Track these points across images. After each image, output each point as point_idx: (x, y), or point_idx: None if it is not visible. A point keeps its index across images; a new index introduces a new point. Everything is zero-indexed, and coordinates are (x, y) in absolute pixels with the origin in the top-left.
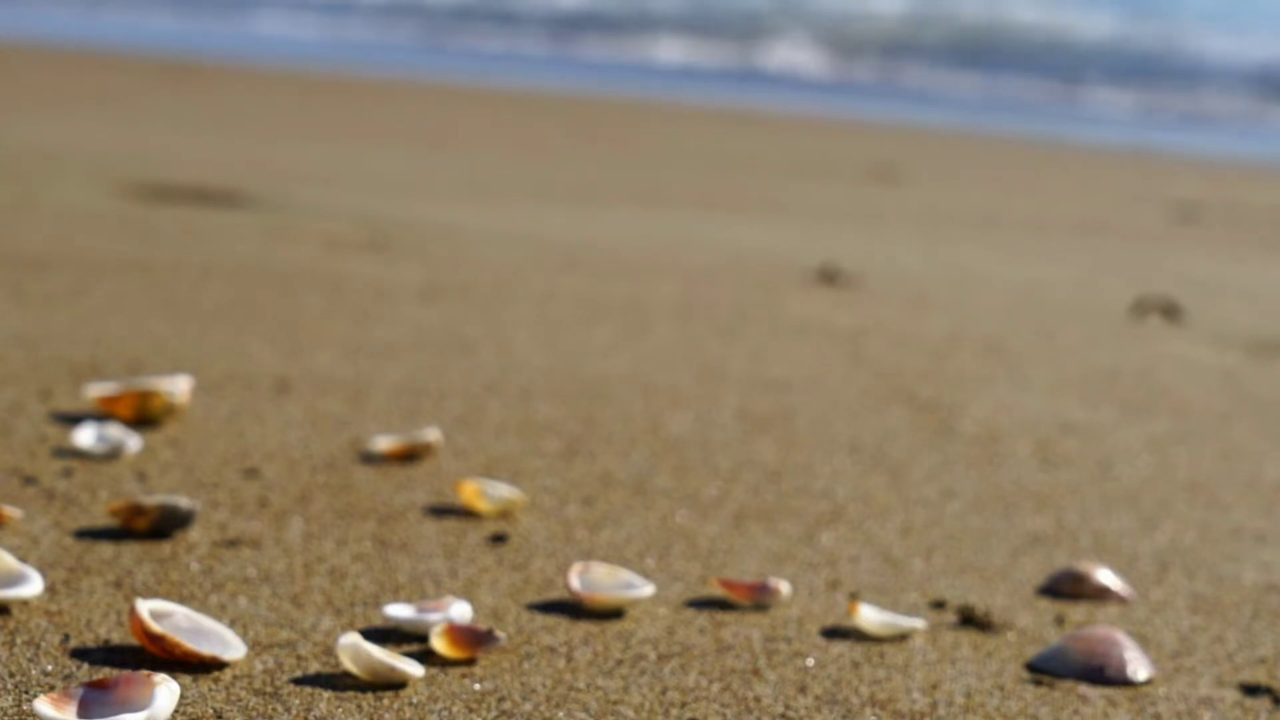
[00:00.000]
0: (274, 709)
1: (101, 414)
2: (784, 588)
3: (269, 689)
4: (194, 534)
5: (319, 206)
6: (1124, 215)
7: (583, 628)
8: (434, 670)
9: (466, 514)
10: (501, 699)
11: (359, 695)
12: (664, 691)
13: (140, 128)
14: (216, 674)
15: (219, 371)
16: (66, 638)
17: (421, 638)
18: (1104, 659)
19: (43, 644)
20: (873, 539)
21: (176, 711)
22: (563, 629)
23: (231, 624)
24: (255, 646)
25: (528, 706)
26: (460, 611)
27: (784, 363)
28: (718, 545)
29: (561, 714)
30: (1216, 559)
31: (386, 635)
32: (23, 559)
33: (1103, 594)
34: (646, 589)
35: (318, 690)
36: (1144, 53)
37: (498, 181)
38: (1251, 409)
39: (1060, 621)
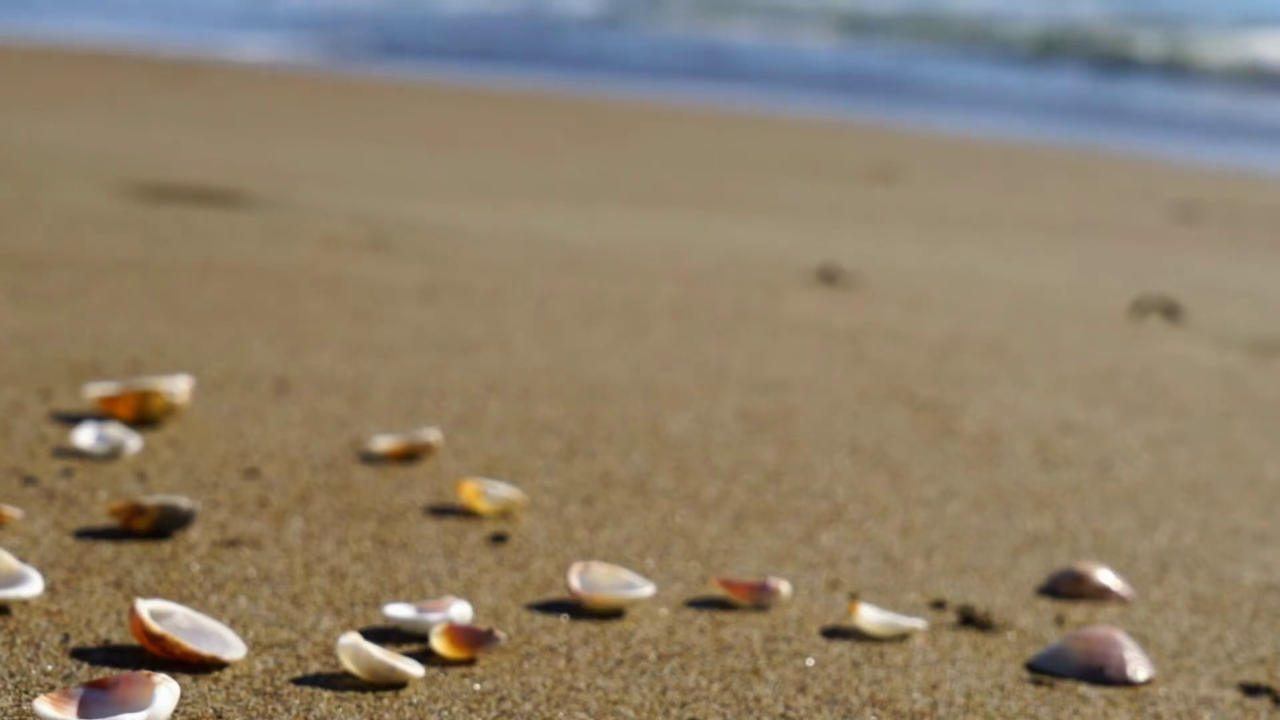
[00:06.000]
0: (274, 709)
1: (101, 414)
2: (784, 588)
3: (269, 689)
4: (194, 534)
5: (319, 206)
6: (1124, 215)
7: (583, 628)
8: (434, 670)
9: (466, 514)
10: (501, 699)
11: (359, 695)
12: (664, 691)
13: (140, 128)
14: (216, 674)
15: (219, 371)
16: (66, 638)
17: (421, 638)
18: (1104, 659)
19: (43, 644)
20: (873, 539)
21: (176, 711)
22: (563, 629)
23: (231, 624)
24: (255, 646)
25: (528, 706)
26: (460, 611)
27: (784, 363)
28: (718, 545)
29: (561, 714)
30: (1216, 559)
31: (386, 635)
32: (23, 559)
33: (1103, 594)
34: (646, 589)
35: (318, 690)
36: None
37: (498, 181)
38: (1251, 409)
39: (1060, 621)
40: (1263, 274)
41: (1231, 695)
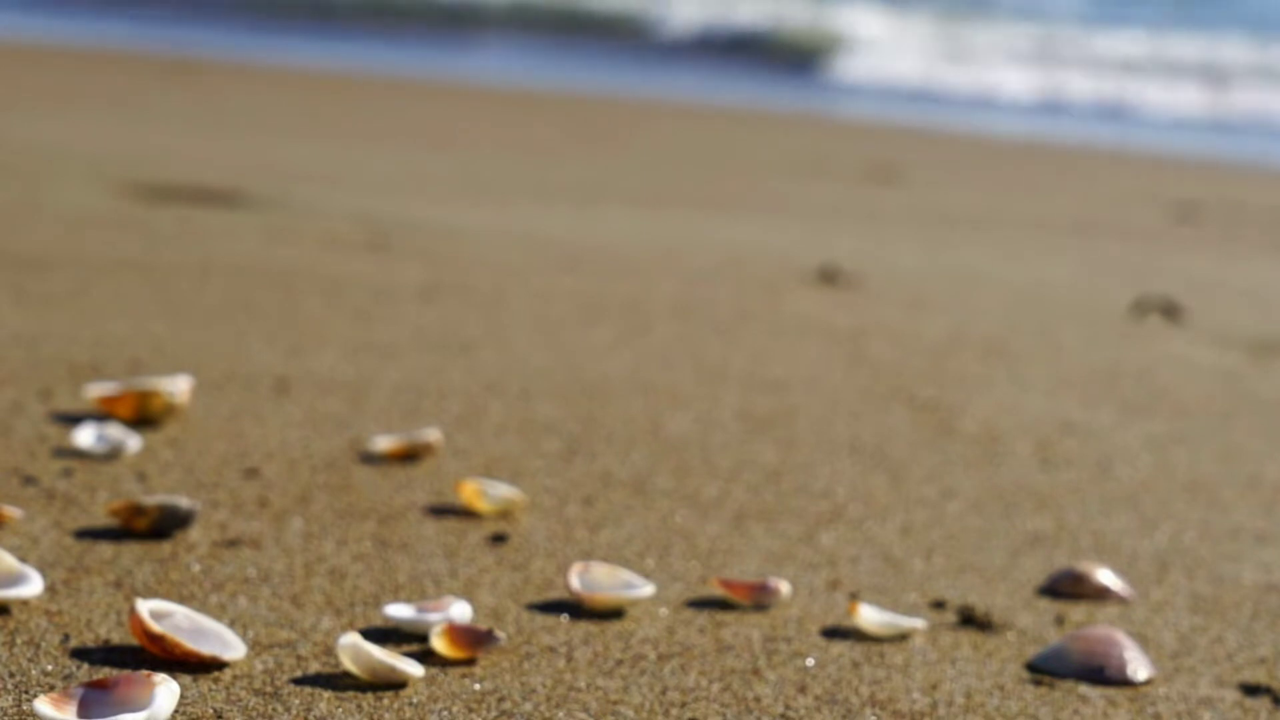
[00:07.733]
0: (274, 709)
1: (101, 414)
2: (784, 588)
3: (269, 689)
4: (194, 534)
5: (319, 206)
6: (1124, 215)
7: (583, 628)
8: (434, 670)
9: (466, 514)
10: (501, 699)
11: (359, 695)
12: (664, 691)
13: (140, 128)
14: (216, 674)
15: (219, 371)
16: (66, 638)
17: (421, 638)
18: (1104, 659)
19: (43, 644)
20: (873, 539)
21: (176, 711)
22: (563, 629)
23: (231, 624)
24: (255, 646)
25: (528, 706)
26: (460, 611)
27: (784, 363)
28: (718, 545)
29: (561, 714)
30: (1216, 559)
31: (386, 635)
32: (23, 559)
33: (1103, 594)
34: (646, 589)
35: (318, 690)
36: None
37: (498, 181)
38: (1251, 409)
39: (1060, 621)
40: (1263, 274)
41: (1231, 695)
